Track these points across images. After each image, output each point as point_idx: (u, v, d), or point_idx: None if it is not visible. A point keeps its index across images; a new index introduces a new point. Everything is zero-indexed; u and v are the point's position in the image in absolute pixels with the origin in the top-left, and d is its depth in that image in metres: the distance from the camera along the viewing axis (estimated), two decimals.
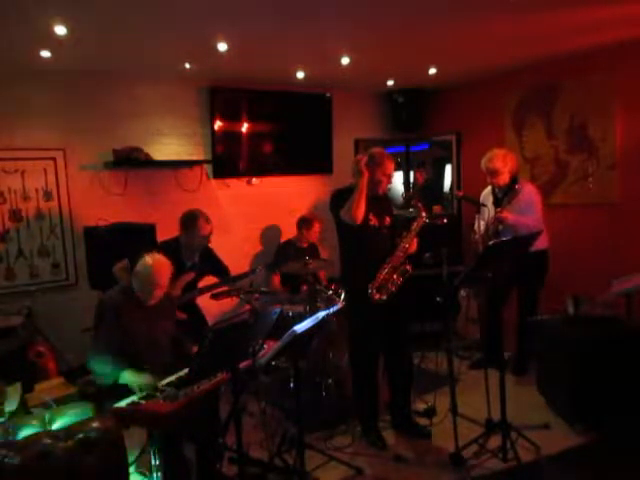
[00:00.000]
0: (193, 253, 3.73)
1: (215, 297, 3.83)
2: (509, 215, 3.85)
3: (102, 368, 2.73)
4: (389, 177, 3.32)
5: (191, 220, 3.67)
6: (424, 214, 3.29)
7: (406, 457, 3.17)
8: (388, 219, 3.36)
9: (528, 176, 4.80)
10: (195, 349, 2.87)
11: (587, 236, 4.48)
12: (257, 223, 5.23)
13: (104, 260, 3.94)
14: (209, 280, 3.88)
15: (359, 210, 3.12)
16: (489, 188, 4.20)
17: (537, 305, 4.16)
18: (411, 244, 3.28)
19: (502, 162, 4.00)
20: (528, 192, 4.04)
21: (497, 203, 4.06)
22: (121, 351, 2.74)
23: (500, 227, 3.96)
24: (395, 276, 3.23)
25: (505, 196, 4.02)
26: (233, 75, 4.69)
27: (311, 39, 3.69)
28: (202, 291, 3.71)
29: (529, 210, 3.96)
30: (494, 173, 4.00)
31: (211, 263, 3.87)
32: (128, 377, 2.65)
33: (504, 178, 4.01)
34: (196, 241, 3.67)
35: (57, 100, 4.23)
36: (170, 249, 3.46)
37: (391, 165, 3.30)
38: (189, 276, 3.62)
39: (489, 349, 3.85)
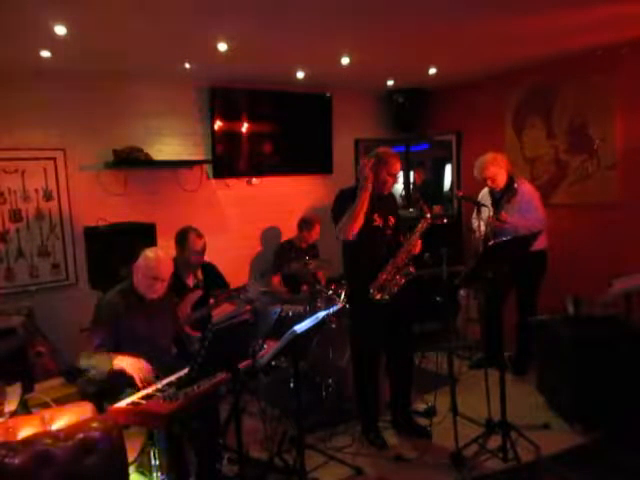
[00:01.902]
0: (191, 271, 3.70)
1: (215, 297, 3.83)
2: (507, 218, 3.86)
3: (94, 362, 2.73)
4: (395, 177, 3.30)
5: (182, 237, 3.66)
6: (429, 215, 3.28)
7: (406, 457, 3.18)
8: (392, 219, 3.35)
9: (528, 176, 4.79)
10: None
11: (587, 236, 4.48)
12: (257, 223, 5.23)
13: (104, 260, 3.95)
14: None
15: (355, 226, 3.08)
16: (486, 189, 4.22)
17: (536, 305, 4.17)
18: (415, 245, 3.27)
19: (496, 166, 4.03)
20: (526, 191, 4.05)
21: (495, 203, 4.06)
22: (118, 350, 2.73)
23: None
24: (398, 277, 3.22)
25: (503, 196, 4.03)
26: (233, 75, 4.68)
27: (311, 39, 3.69)
28: (211, 308, 3.68)
29: (530, 210, 3.97)
30: (493, 178, 4.03)
31: (215, 279, 3.85)
32: (122, 361, 2.64)
33: (502, 179, 4.05)
34: (191, 258, 3.65)
35: (57, 100, 4.22)
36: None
37: (397, 164, 3.27)
38: (196, 294, 3.60)
39: (489, 349, 3.86)
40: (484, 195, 4.24)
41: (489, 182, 4.06)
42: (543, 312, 4.06)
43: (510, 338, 4.18)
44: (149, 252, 2.89)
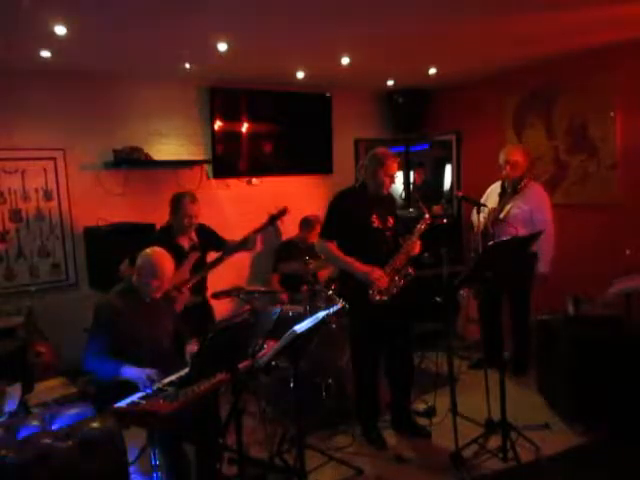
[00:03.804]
0: (184, 233, 3.71)
1: (216, 297, 3.83)
2: (510, 227, 3.92)
3: (100, 368, 2.72)
4: (392, 177, 3.31)
5: (176, 201, 3.67)
6: (428, 216, 3.28)
7: (406, 457, 3.18)
8: (391, 220, 3.35)
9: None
10: (194, 347, 2.88)
11: (587, 236, 4.48)
12: (257, 223, 5.21)
13: (104, 260, 3.95)
14: (211, 257, 3.87)
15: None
16: (497, 182, 4.22)
17: (529, 307, 4.17)
18: (414, 246, 3.27)
19: (523, 156, 4.08)
20: (537, 191, 4.07)
21: (504, 195, 4.08)
22: (120, 352, 2.73)
23: (501, 216, 3.99)
24: (397, 278, 3.22)
25: (513, 188, 4.04)
26: (233, 75, 4.69)
27: (311, 39, 3.69)
28: (209, 267, 3.68)
29: (541, 209, 4.00)
30: (514, 165, 4.04)
31: (210, 239, 3.84)
32: (130, 371, 2.63)
33: (521, 170, 4.07)
34: (184, 221, 3.64)
35: (57, 100, 4.23)
36: (164, 235, 3.57)
37: (395, 165, 3.28)
38: (194, 256, 3.61)
39: (489, 349, 3.85)
40: (494, 189, 4.25)
41: (508, 167, 4.05)
42: (543, 312, 4.05)
43: (509, 338, 4.19)
44: (149, 251, 2.88)
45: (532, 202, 4.01)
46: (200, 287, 3.71)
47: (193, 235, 3.74)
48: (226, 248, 3.80)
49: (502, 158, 4.10)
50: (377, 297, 3.17)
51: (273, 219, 3.84)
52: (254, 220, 5.13)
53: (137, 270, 2.86)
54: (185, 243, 3.69)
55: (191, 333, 3.16)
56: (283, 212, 3.85)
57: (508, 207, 4.03)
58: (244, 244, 3.76)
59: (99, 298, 3.13)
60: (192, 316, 3.48)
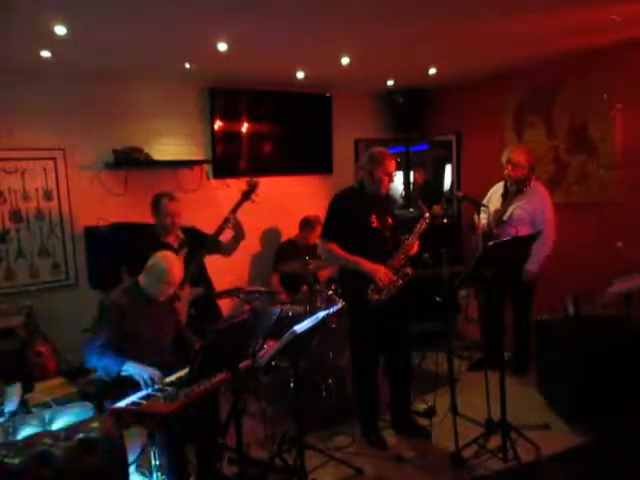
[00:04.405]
0: (169, 232, 3.70)
1: (216, 297, 3.83)
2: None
3: (102, 363, 2.72)
4: (390, 176, 3.31)
5: (156, 202, 3.68)
6: (427, 215, 3.28)
7: (406, 457, 3.17)
8: (390, 220, 3.36)
9: None
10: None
11: (587, 236, 4.48)
12: (257, 223, 5.22)
13: (104, 260, 3.95)
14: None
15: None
16: (500, 183, 4.21)
17: (531, 307, 4.16)
18: (413, 246, 3.28)
19: (525, 156, 4.03)
20: (541, 193, 4.05)
21: (507, 195, 4.07)
22: (121, 350, 2.73)
23: (505, 217, 3.99)
24: (395, 278, 3.22)
25: (516, 188, 4.03)
26: (233, 75, 4.69)
27: (311, 39, 3.69)
28: (201, 254, 3.70)
29: (544, 208, 3.99)
30: (516, 165, 4.00)
31: (197, 237, 3.85)
32: (132, 368, 2.64)
33: (523, 171, 4.03)
34: (166, 219, 3.64)
35: (57, 100, 4.23)
36: (151, 236, 3.60)
37: (392, 164, 3.28)
38: (183, 253, 3.62)
39: (489, 350, 3.85)
40: (496, 190, 4.24)
41: (509, 167, 4.02)
42: (543, 312, 4.05)
43: (510, 338, 4.18)
44: (162, 256, 2.88)
45: (535, 202, 4.00)
46: (200, 279, 3.71)
47: (179, 233, 3.75)
48: (208, 238, 3.80)
49: (504, 158, 4.10)
50: (375, 297, 3.17)
51: (246, 194, 3.85)
52: (254, 220, 5.17)
53: (147, 272, 2.86)
54: (173, 241, 3.70)
55: (197, 331, 3.17)
56: (254, 186, 3.85)
57: (511, 208, 4.02)
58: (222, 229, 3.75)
59: (105, 295, 3.14)
60: (199, 313, 3.49)
